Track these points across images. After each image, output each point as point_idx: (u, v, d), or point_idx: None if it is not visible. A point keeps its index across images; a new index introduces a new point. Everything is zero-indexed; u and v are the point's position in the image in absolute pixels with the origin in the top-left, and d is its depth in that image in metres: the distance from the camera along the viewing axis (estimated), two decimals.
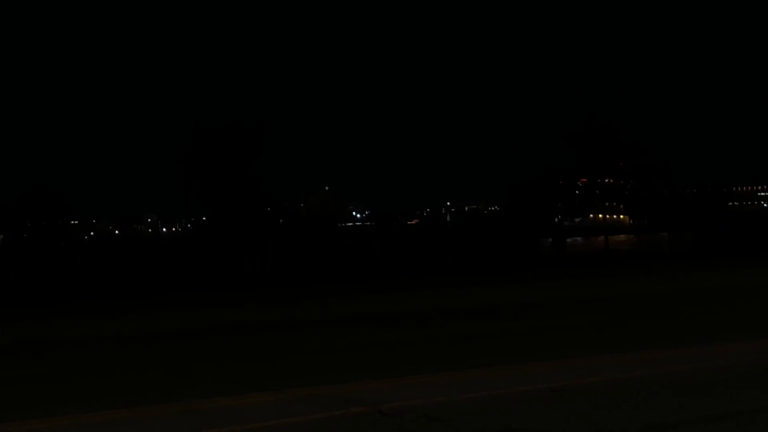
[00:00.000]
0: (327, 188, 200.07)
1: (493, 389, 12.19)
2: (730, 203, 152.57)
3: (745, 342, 16.08)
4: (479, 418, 10.32)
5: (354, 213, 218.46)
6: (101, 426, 10.60)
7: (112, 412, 11.44)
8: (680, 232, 74.29)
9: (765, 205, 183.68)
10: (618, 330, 19.16)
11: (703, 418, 10.07)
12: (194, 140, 60.99)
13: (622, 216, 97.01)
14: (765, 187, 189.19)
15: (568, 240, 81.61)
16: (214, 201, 62.17)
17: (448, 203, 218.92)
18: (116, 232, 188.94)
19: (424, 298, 28.79)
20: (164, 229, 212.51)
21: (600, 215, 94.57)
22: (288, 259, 62.71)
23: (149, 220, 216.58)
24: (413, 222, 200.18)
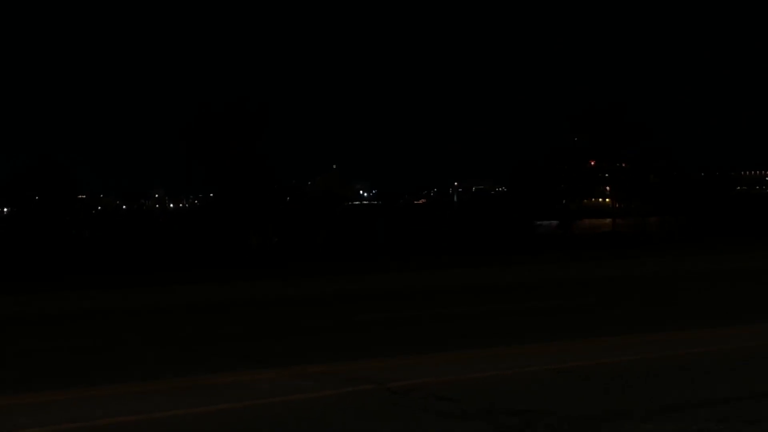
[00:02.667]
0: (334, 167, 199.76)
1: (500, 369, 12.26)
2: (738, 188, 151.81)
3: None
4: (486, 398, 10.38)
5: (361, 192, 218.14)
6: (110, 399, 10.66)
7: (121, 386, 11.51)
8: (670, 216, 73.95)
9: None
10: (619, 312, 19.21)
11: (710, 401, 10.11)
12: (197, 120, 61.00)
13: (607, 200, 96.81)
14: None
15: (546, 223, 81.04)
16: (217, 180, 62.30)
17: (456, 183, 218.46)
18: (123, 207, 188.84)
19: (426, 278, 28.86)
20: (171, 205, 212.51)
21: (584, 200, 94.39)
22: (293, 236, 62.75)
23: (156, 195, 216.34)
24: (420, 202, 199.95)
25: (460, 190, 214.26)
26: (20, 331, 18.02)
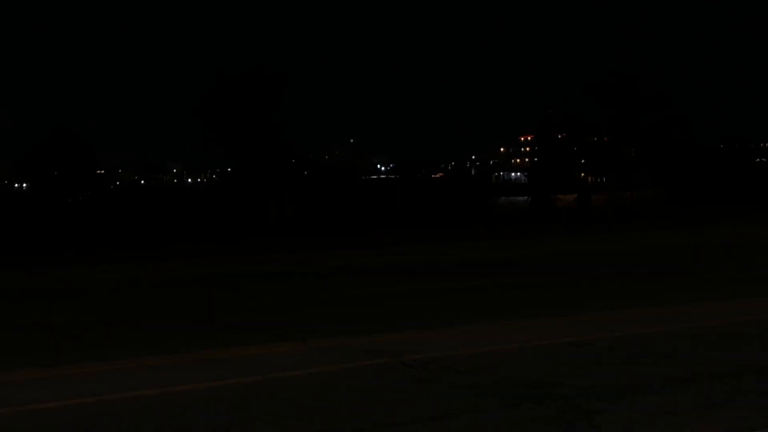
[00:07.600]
0: (351, 140, 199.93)
1: (513, 342, 12.24)
2: (758, 159, 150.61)
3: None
4: (500, 371, 10.37)
5: (378, 165, 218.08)
6: (126, 373, 10.71)
7: (136, 359, 11.55)
8: (646, 190, 73.46)
9: None
10: (636, 285, 19.14)
11: (722, 373, 10.07)
12: (215, 89, 60.81)
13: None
14: None
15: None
16: (234, 151, 62.12)
17: (473, 157, 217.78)
18: (141, 181, 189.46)
19: (442, 252, 28.83)
20: (189, 179, 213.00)
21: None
22: (310, 209, 62.80)
23: (174, 170, 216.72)
24: (437, 176, 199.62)
25: (478, 163, 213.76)
26: (33, 305, 18.07)
